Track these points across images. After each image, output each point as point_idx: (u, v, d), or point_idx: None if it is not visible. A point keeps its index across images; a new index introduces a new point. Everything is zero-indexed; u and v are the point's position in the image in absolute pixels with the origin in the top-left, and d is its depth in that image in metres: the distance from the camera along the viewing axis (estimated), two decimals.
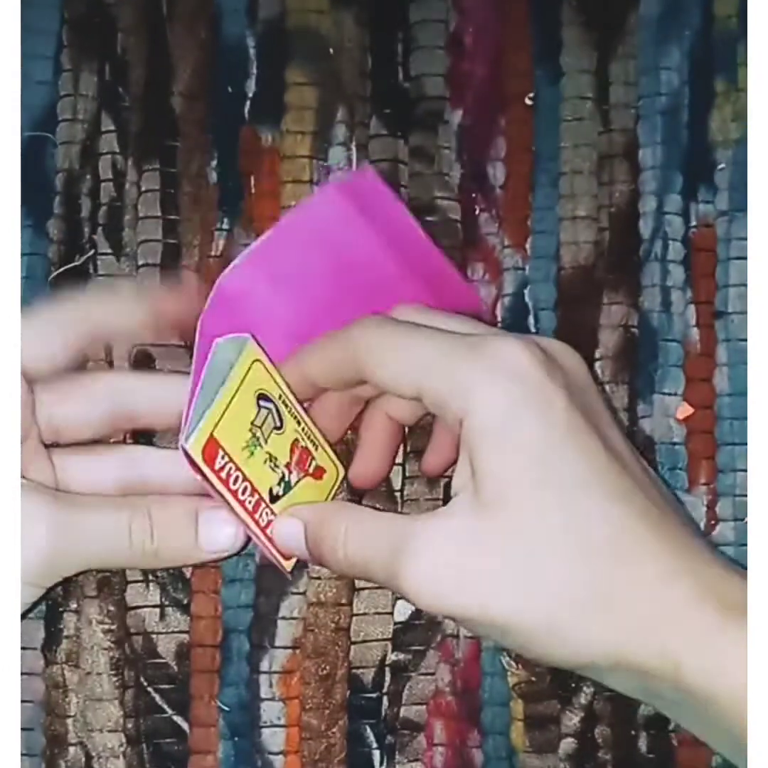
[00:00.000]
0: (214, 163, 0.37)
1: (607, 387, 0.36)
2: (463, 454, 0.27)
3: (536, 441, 0.26)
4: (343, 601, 0.35)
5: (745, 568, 0.27)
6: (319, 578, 0.35)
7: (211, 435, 0.28)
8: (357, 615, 0.36)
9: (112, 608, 0.35)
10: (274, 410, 0.30)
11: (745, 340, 0.36)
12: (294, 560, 0.32)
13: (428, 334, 0.29)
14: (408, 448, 0.36)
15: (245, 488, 0.29)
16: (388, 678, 0.36)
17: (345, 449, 0.35)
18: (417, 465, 0.36)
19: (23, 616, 0.29)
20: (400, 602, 0.36)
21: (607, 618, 0.25)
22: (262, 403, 0.30)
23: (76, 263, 0.37)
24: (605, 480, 0.26)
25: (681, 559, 0.26)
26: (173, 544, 0.30)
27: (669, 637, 0.25)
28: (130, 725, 0.35)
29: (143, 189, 0.37)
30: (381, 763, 0.36)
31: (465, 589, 0.26)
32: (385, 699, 0.36)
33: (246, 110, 0.38)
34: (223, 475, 0.29)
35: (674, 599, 0.25)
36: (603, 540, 0.26)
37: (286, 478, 0.31)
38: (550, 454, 0.26)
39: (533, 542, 0.26)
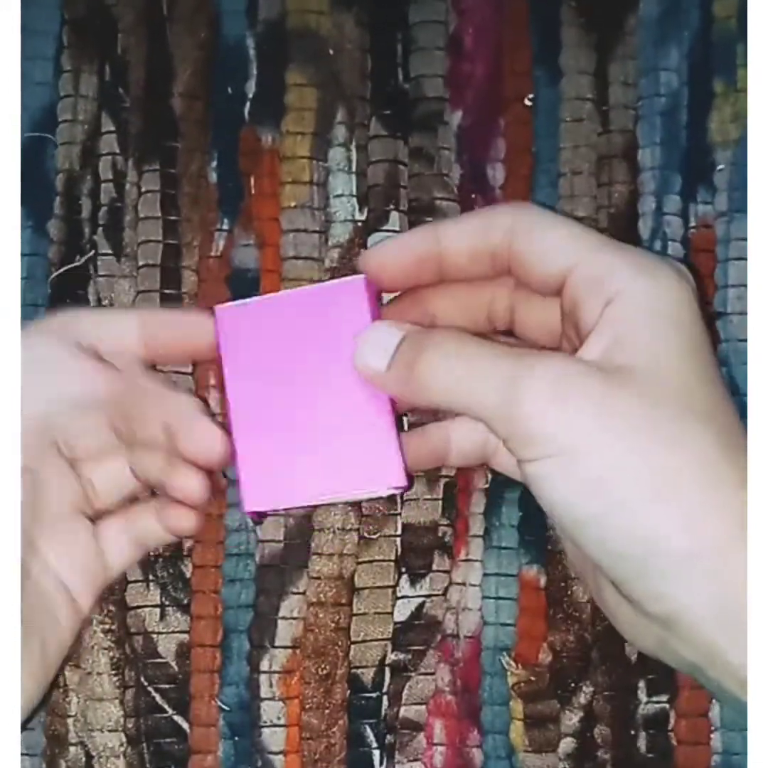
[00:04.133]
0: (214, 163, 0.37)
1: None
2: (602, 328, 0.26)
3: (686, 336, 0.25)
4: (343, 601, 0.36)
5: None
6: (319, 578, 0.35)
7: None
8: (357, 615, 0.36)
9: (112, 608, 0.35)
10: None
11: (745, 340, 0.36)
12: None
13: (579, 226, 0.28)
14: None
15: None
16: (387, 678, 0.36)
17: None
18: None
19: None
20: (400, 602, 0.36)
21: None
22: None
23: (76, 264, 0.37)
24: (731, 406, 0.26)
25: None
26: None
27: None
28: (130, 725, 0.35)
29: (143, 189, 0.37)
30: (381, 763, 0.36)
31: (578, 456, 0.24)
32: (384, 699, 0.36)
33: (246, 111, 0.38)
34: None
35: None
36: (723, 446, 0.24)
37: None
38: (696, 352, 0.25)
39: (662, 415, 0.24)
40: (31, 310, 0.36)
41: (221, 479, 0.36)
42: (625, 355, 0.25)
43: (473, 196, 0.37)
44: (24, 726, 0.29)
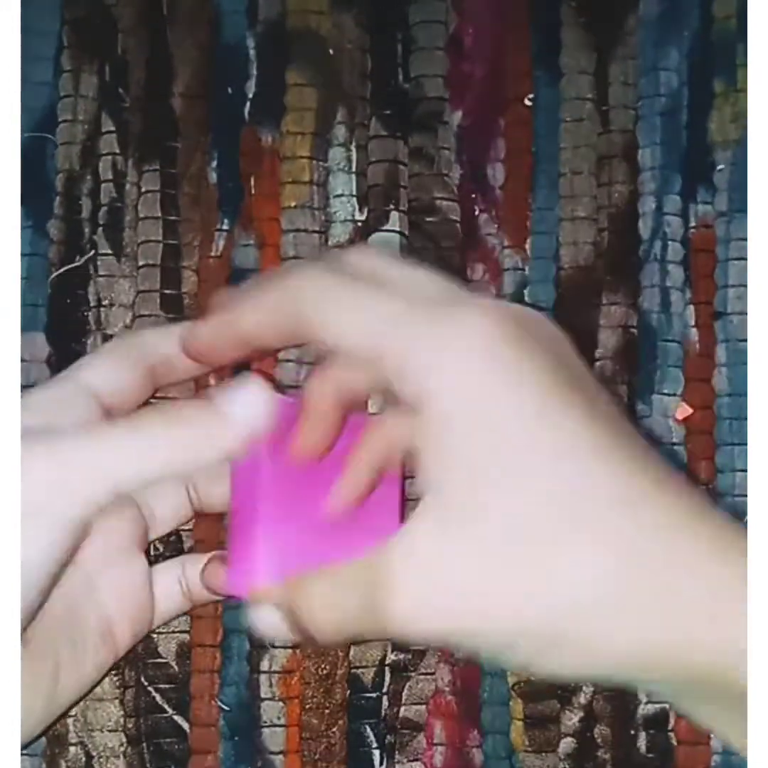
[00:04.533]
0: (214, 163, 0.37)
1: (606, 387, 0.36)
2: (426, 448, 0.24)
3: (507, 427, 0.23)
4: None
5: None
6: None
7: None
8: None
9: None
10: None
11: (745, 340, 0.36)
12: None
13: (381, 293, 0.25)
14: None
15: None
16: (388, 678, 0.36)
17: None
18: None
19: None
20: None
21: (624, 618, 0.22)
22: None
23: (76, 264, 0.37)
24: (598, 457, 0.23)
25: (712, 538, 0.22)
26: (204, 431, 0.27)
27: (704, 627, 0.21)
28: (130, 725, 0.35)
29: (143, 189, 0.37)
30: (381, 763, 0.36)
31: (454, 615, 0.23)
32: (385, 699, 0.36)
33: (246, 111, 0.38)
34: None
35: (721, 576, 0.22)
36: (604, 530, 0.22)
37: None
38: (525, 439, 0.23)
39: (522, 545, 0.22)
40: (31, 310, 0.36)
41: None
42: (452, 493, 0.23)
43: (473, 195, 0.38)
44: (24, 747, 0.28)
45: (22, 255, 0.37)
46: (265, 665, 0.35)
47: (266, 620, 0.28)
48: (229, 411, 0.27)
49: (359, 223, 0.37)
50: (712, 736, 0.35)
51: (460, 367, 0.23)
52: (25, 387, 0.36)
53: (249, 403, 0.27)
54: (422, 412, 0.24)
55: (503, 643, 0.23)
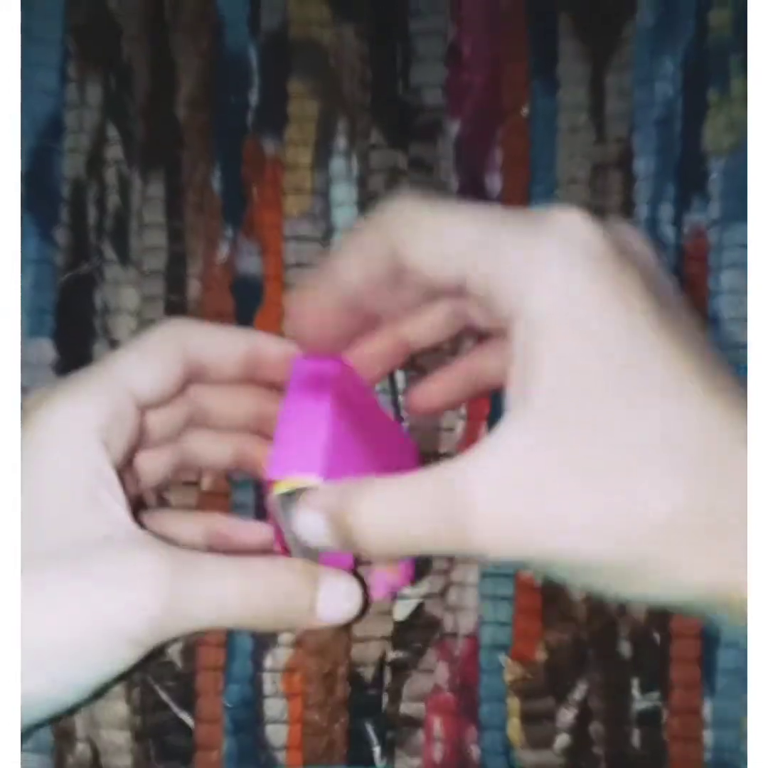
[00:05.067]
0: (217, 172, 0.38)
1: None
2: (517, 356, 0.23)
3: (609, 335, 0.22)
4: None
5: None
6: None
7: None
8: None
9: None
10: None
11: (738, 347, 0.36)
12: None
13: (473, 212, 0.24)
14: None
15: None
16: (388, 675, 0.37)
17: None
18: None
19: (122, 678, 0.27)
20: (400, 602, 0.36)
21: (714, 546, 0.21)
22: None
23: (82, 270, 0.37)
24: (696, 380, 0.22)
25: None
26: (290, 612, 0.27)
27: None
28: (136, 722, 0.36)
29: (148, 197, 0.38)
30: (381, 758, 0.36)
31: (537, 534, 0.22)
32: (385, 696, 0.36)
33: (249, 120, 0.38)
34: None
35: None
36: (701, 453, 0.21)
37: None
38: (626, 350, 0.21)
39: (611, 463, 0.21)
40: (37, 316, 0.37)
41: (224, 482, 0.36)
42: (544, 403, 0.22)
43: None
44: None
45: (29, 262, 0.37)
46: (268, 663, 0.36)
47: (310, 525, 0.26)
48: (320, 608, 0.27)
49: None
50: (703, 733, 0.36)
51: (553, 276, 0.22)
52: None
53: (339, 607, 0.27)
54: (514, 325, 0.22)
55: (586, 566, 0.22)
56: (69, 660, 0.25)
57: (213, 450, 0.33)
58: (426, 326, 0.30)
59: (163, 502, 0.36)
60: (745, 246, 0.37)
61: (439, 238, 0.24)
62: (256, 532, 0.33)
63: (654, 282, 0.23)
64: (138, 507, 0.31)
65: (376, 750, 0.36)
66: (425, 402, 0.32)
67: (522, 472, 0.22)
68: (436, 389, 0.32)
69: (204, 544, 0.33)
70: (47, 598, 0.25)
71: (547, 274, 0.22)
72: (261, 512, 0.36)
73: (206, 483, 0.36)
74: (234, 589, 0.26)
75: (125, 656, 0.25)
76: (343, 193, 0.38)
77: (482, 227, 0.23)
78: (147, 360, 0.29)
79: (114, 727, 0.36)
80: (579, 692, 0.36)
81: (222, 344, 0.31)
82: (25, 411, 0.28)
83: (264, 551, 0.33)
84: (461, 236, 0.24)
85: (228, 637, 0.36)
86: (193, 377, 0.30)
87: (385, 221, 0.25)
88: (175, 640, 0.28)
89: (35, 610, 0.24)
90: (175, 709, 0.36)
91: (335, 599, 0.27)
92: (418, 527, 0.23)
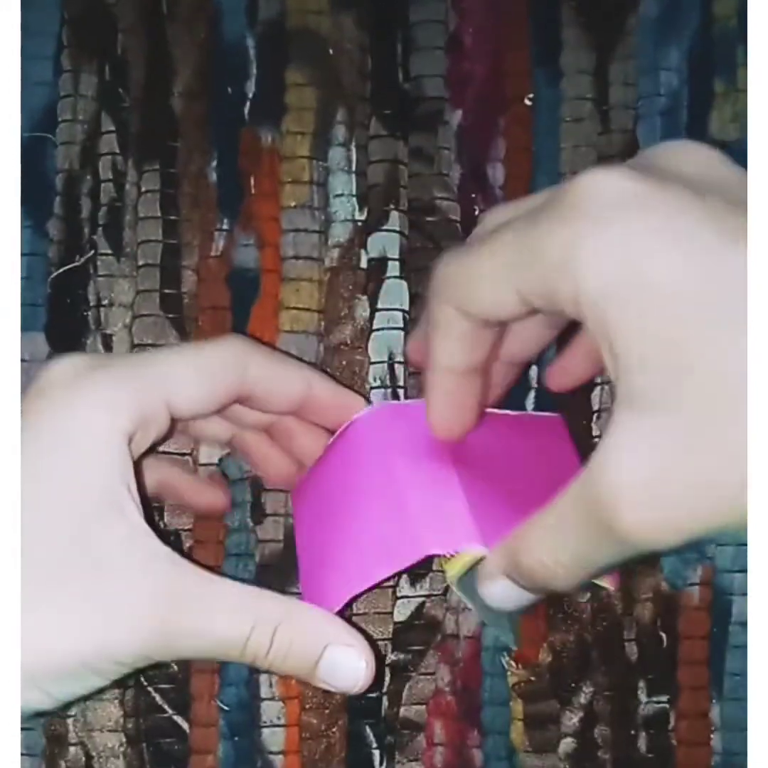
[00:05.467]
0: (213, 163, 0.37)
1: (605, 388, 0.36)
2: (592, 330, 0.22)
3: (675, 290, 0.20)
4: None
5: None
6: None
7: None
8: (357, 615, 0.36)
9: None
10: None
11: None
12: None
13: (491, 239, 0.24)
14: None
15: None
16: (388, 678, 0.36)
17: None
18: None
19: (96, 694, 0.27)
20: (400, 602, 0.36)
21: None
22: None
23: (76, 263, 0.37)
24: None
25: None
26: (289, 667, 0.26)
27: None
28: (130, 725, 0.35)
29: (143, 189, 0.37)
30: (381, 763, 0.36)
31: (684, 511, 0.21)
32: (385, 699, 0.36)
33: (246, 111, 0.38)
34: None
35: None
36: None
37: None
38: (701, 295, 0.20)
39: (719, 430, 0.20)
40: (30, 310, 0.36)
41: (222, 479, 0.36)
42: (634, 382, 0.21)
43: (473, 195, 0.38)
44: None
45: (22, 255, 0.37)
46: None
47: (499, 593, 0.27)
48: (325, 679, 0.27)
49: (359, 223, 0.37)
50: (712, 736, 0.35)
51: (595, 240, 0.21)
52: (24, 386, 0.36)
53: (342, 678, 0.27)
54: (584, 315, 0.22)
55: (740, 523, 0.21)
56: (55, 674, 0.24)
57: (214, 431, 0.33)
58: (526, 341, 0.30)
59: None
60: None
61: (483, 271, 0.24)
62: (208, 496, 0.34)
63: (714, 200, 0.22)
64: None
65: (376, 754, 0.36)
66: (561, 378, 0.31)
67: (650, 455, 0.21)
68: (568, 366, 0.31)
69: (154, 493, 0.33)
70: (46, 611, 0.24)
71: (587, 254, 0.21)
72: (258, 511, 0.36)
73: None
74: (236, 632, 0.25)
75: (109, 674, 0.25)
76: (342, 184, 0.37)
77: (513, 239, 0.23)
78: (198, 376, 0.28)
79: (107, 730, 0.35)
80: (584, 695, 0.36)
81: (281, 381, 0.30)
82: (48, 382, 0.26)
83: (212, 514, 0.35)
84: (500, 259, 0.24)
85: None
86: (239, 401, 0.30)
87: (437, 288, 0.26)
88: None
89: (33, 622, 0.24)
90: (170, 712, 0.36)
91: (339, 668, 0.27)
92: (582, 545, 0.23)
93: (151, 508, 0.36)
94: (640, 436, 0.21)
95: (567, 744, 0.36)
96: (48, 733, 0.35)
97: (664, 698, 0.36)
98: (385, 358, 0.36)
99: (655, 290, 0.21)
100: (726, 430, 0.20)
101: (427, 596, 0.36)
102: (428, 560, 0.36)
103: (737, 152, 0.36)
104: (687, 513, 0.21)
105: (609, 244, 0.21)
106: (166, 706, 0.36)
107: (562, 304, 0.22)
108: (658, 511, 0.21)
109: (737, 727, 0.35)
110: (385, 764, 0.36)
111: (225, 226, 0.37)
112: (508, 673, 0.36)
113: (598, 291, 0.21)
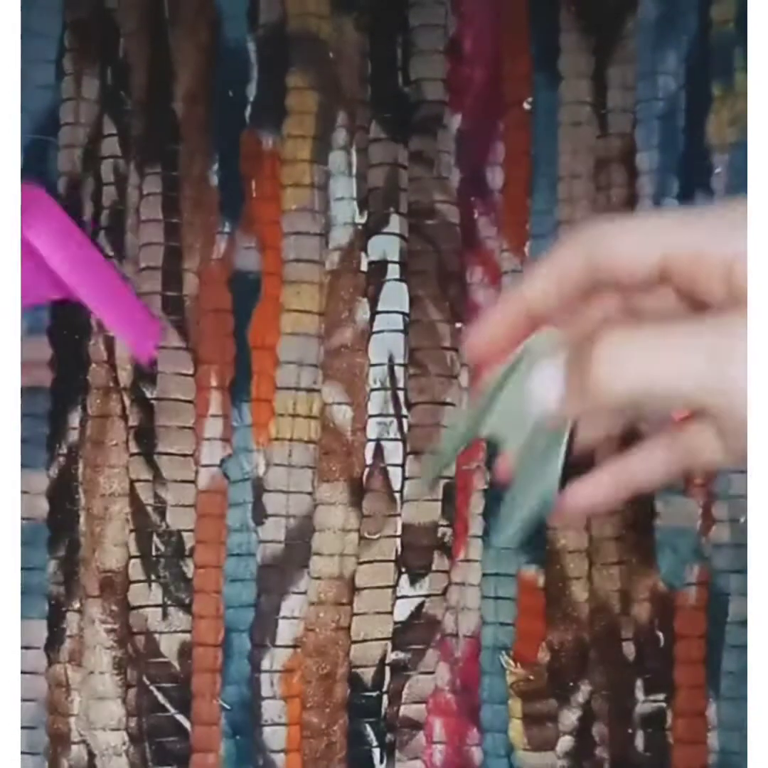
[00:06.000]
0: (215, 166, 0.38)
1: None
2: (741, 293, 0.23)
3: None
4: (344, 600, 0.36)
5: None
6: (319, 578, 0.36)
7: None
8: (357, 614, 0.36)
9: (114, 608, 0.36)
10: None
11: None
12: None
13: (664, 210, 0.26)
14: (408, 449, 0.36)
15: None
16: (388, 677, 0.36)
17: None
18: (417, 465, 0.36)
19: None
20: (400, 602, 0.36)
21: None
22: None
23: None
24: None
25: None
26: None
27: None
28: (132, 723, 0.35)
29: (145, 192, 0.37)
30: (381, 761, 0.36)
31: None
32: (385, 697, 0.36)
33: (247, 114, 0.38)
34: None
35: None
36: None
37: None
38: None
39: None
40: (33, 312, 0.37)
41: (221, 478, 0.36)
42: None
43: (473, 199, 0.38)
44: None
45: None
46: (266, 664, 0.36)
47: (548, 380, 0.26)
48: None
49: (359, 226, 0.37)
50: (708, 735, 0.36)
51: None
52: (28, 389, 0.36)
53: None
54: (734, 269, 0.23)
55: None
56: None
57: None
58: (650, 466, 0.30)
59: None
60: None
61: (636, 230, 0.25)
62: None
63: None
64: None
65: (376, 753, 0.36)
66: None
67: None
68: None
69: None
70: None
71: (744, 232, 0.23)
72: (259, 512, 0.36)
73: (203, 481, 0.36)
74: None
75: None
76: (343, 187, 0.37)
77: (675, 216, 0.25)
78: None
79: (109, 729, 0.35)
80: (582, 694, 0.36)
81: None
82: None
83: None
84: (658, 225, 0.25)
85: (225, 638, 0.36)
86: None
87: (577, 234, 0.26)
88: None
89: None
90: (172, 710, 0.36)
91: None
92: (675, 367, 0.23)
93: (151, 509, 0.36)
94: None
95: (565, 742, 0.36)
96: (51, 731, 0.36)
97: (661, 697, 0.36)
98: (385, 360, 0.36)
99: None
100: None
101: (427, 596, 0.36)
102: (428, 561, 0.36)
103: (736, 154, 0.37)
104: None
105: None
106: (168, 705, 0.36)
107: (708, 266, 0.24)
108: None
109: (734, 726, 0.35)
110: (385, 762, 0.36)
111: (226, 229, 0.37)
112: (507, 672, 0.36)
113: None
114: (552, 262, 0.27)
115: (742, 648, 0.35)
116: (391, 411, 0.36)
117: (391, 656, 0.36)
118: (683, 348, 0.23)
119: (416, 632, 0.36)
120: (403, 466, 0.36)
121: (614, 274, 0.26)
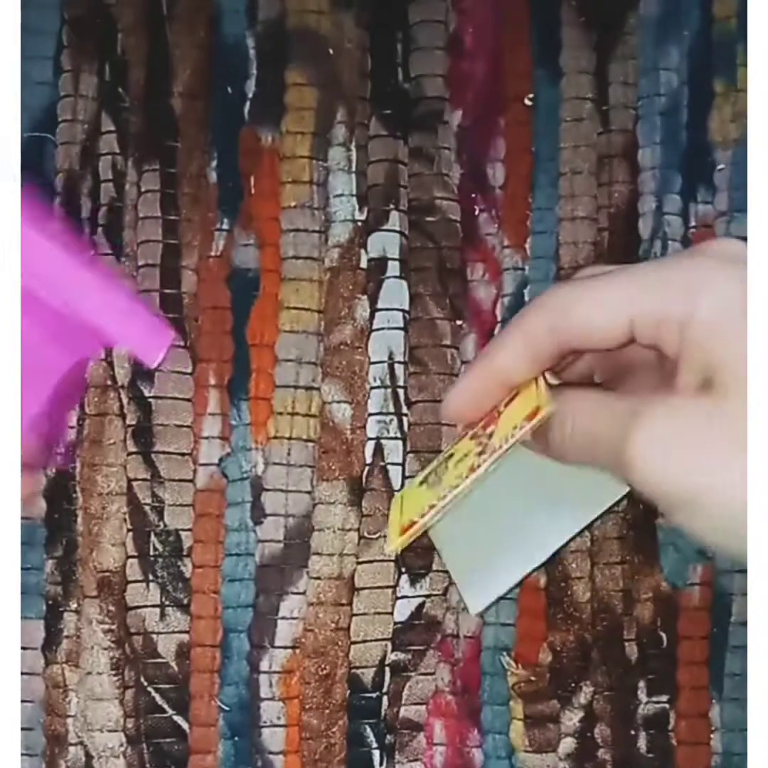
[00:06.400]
0: (213, 163, 0.37)
1: None
2: (688, 355, 0.25)
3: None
4: (343, 601, 0.36)
5: None
6: (319, 578, 0.35)
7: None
8: (357, 615, 0.36)
9: (112, 608, 0.35)
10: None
11: None
12: None
13: (621, 271, 0.26)
14: (408, 447, 0.36)
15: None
16: (387, 678, 0.36)
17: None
18: (417, 465, 0.36)
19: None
20: (400, 602, 0.36)
21: None
22: None
23: None
24: None
25: None
26: None
27: None
28: (130, 725, 0.35)
29: (143, 189, 0.37)
30: (381, 763, 0.36)
31: (696, 468, 0.24)
32: (384, 699, 0.36)
33: (246, 111, 0.38)
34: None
35: None
36: None
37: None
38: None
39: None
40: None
41: (220, 477, 0.36)
42: (720, 377, 0.24)
43: (473, 195, 0.37)
44: None
45: None
46: (264, 665, 0.35)
47: None
48: None
49: (359, 223, 0.37)
50: (712, 736, 0.35)
51: (725, 280, 0.24)
52: None
53: None
54: (686, 335, 0.24)
55: (728, 513, 0.23)
56: None
57: None
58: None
59: None
60: None
61: (600, 298, 0.26)
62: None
63: None
64: None
65: (376, 754, 0.36)
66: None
67: (695, 419, 0.24)
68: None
69: None
70: None
71: (717, 286, 0.24)
72: (258, 511, 0.36)
73: (201, 480, 0.36)
74: None
75: None
76: (342, 183, 0.37)
77: (636, 274, 0.25)
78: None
79: (107, 730, 0.35)
80: (584, 695, 0.36)
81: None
82: None
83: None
84: (621, 290, 0.25)
85: (223, 638, 0.36)
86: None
87: (543, 301, 0.27)
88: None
89: None
90: (170, 711, 0.36)
91: None
92: (598, 432, 0.25)
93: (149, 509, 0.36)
94: (679, 415, 0.24)
95: (567, 744, 0.36)
96: (48, 732, 0.35)
97: (664, 698, 0.36)
98: (385, 358, 0.36)
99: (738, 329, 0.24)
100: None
101: (427, 596, 0.36)
102: (429, 560, 0.36)
103: (738, 150, 0.37)
104: (683, 477, 0.23)
105: (729, 279, 0.24)
106: (166, 706, 0.36)
107: (668, 329, 0.25)
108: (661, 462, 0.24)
109: (737, 727, 0.35)
110: (385, 764, 0.36)
111: (225, 226, 0.37)
112: (508, 673, 0.36)
113: (714, 314, 0.24)
114: (518, 330, 0.27)
115: (746, 649, 0.35)
116: (391, 409, 0.36)
117: (391, 657, 0.36)
118: (725, 463, 0.24)
119: (416, 633, 0.36)
120: (403, 464, 0.36)
121: (582, 343, 0.26)
